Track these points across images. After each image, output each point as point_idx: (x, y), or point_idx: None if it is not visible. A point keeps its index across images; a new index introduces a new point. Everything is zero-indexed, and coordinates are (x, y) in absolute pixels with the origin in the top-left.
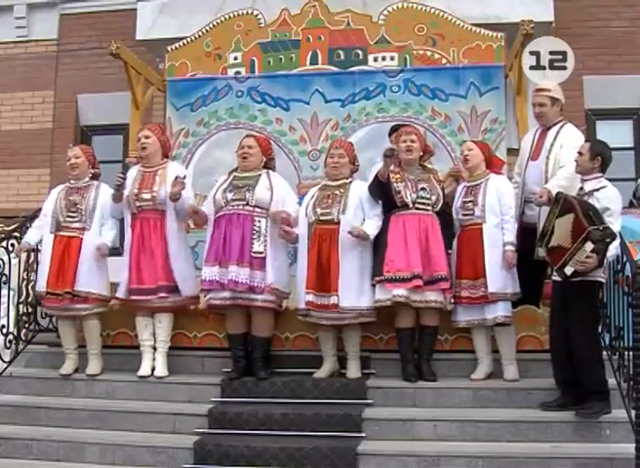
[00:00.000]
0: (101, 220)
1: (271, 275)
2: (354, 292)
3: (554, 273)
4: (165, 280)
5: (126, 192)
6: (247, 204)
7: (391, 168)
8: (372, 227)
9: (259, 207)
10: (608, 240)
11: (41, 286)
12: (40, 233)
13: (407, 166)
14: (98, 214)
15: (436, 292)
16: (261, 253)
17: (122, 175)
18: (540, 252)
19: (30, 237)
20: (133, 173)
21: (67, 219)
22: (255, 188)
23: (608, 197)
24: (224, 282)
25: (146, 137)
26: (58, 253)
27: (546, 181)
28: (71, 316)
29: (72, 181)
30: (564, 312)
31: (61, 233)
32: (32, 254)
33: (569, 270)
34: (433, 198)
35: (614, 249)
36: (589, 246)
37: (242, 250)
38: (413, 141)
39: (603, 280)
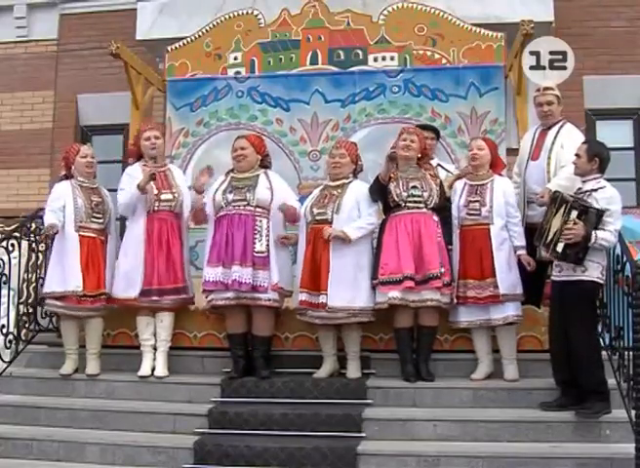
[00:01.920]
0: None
1: (275, 274)
2: (347, 291)
3: (553, 273)
4: (182, 281)
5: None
6: (248, 204)
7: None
8: (355, 228)
9: (260, 207)
10: (592, 210)
11: (74, 285)
12: (60, 223)
13: (403, 164)
14: (113, 216)
15: (431, 291)
16: (264, 252)
17: (155, 165)
18: (542, 252)
19: (54, 221)
20: (137, 171)
21: (91, 220)
22: (255, 189)
23: (607, 197)
24: (228, 282)
25: (156, 138)
26: (84, 253)
27: (548, 181)
28: (76, 316)
29: (80, 179)
30: (562, 312)
31: (80, 233)
32: (34, 255)
33: (560, 246)
34: (425, 195)
35: (610, 235)
36: (574, 213)
37: (244, 250)
38: (413, 141)
39: (601, 281)
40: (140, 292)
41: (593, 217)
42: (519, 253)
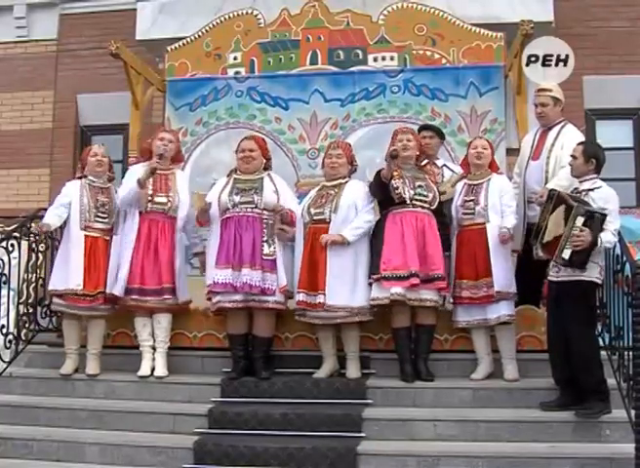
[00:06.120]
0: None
1: (283, 276)
2: (345, 290)
3: (551, 273)
4: (168, 282)
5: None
6: (255, 207)
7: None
8: (352, 229)
9: (266, 210)
10: (597, 215)
11: (75, 284)
12: (59, 221)
13: (403, 164)
14: (120, 216)
15: (432, 291)
16: (272, 255)
17: (159, 161)
18: (538, 251)
19: (51, 220)
20: (140, 168)
21: (95, 219)
22: (262, 192)
23: (604, 197)
24: (238, 285)
25: (170, 141)
26: (87, 252)
27: (547, 181)
28: (78, 315)
29: (91, 178)
30: (559, 312)
31: (85, 232)
32: (33, 255)
33: (566, 253)
34: (430, 195)
35: (611, 236)
36: (580, 220)
37: (253, 253)
38: (409, 141)
39: (599, 281)
40: (124, 291)
41: (598, 222)
42: (501, 230)
